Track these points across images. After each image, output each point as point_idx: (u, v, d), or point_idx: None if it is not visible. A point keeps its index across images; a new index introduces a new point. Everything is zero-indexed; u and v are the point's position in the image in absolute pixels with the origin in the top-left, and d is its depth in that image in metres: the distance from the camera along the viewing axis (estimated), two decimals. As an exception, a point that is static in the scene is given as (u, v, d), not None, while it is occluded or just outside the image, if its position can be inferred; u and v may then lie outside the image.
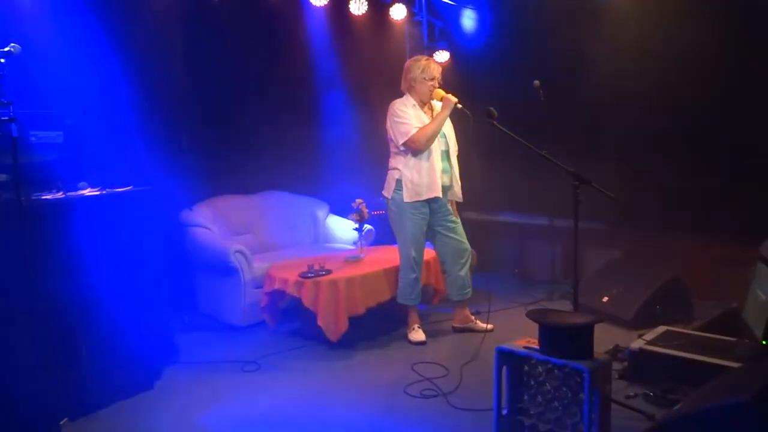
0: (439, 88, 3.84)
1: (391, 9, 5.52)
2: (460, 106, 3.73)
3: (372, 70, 5.76)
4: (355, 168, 5.66)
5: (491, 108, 3.68)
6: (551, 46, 5.18)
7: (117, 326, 3.15)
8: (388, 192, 3.95)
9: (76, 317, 2.95)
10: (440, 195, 3.84)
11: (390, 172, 3.96)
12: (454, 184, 3.98)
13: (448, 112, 3.76)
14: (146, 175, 3.68)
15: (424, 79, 3.81)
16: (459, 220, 4.07)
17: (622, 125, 4.89)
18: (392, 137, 3.89)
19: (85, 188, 3.20)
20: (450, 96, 3.76)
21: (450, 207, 4.01)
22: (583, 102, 5.04)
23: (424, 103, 3.91)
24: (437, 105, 3.91)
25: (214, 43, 4.74)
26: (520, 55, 5.44)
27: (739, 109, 4.42)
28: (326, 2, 5.03)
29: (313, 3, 5.01)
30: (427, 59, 3.91)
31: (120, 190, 3.29)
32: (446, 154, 3.92)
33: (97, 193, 3.18)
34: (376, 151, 5.82)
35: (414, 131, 3.77)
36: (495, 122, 3.52)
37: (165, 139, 4.50)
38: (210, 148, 4.81)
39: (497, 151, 4.42)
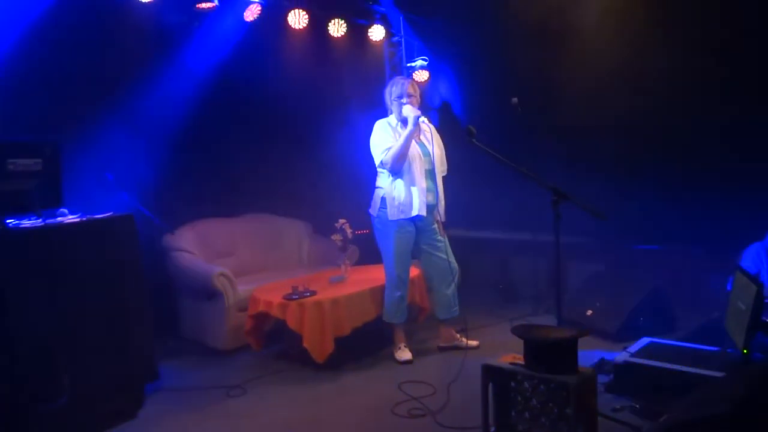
0: (414, 105, 3.85)
1: (369, 30, 5.58)
2: (423, 118, 3.79)
3: (352, 91, 5.81)
4: (338, 188, 5.66)
5: (471, 126, 3.72)
6: (528, 62, 5.27)
7: (99, 354, 3.11)
8: (374, 210, 3.96)
9: (57, 346, 2.90)
10: (423, 213, 3.85)
11: (376, 190, 3.98)
12: (439, 202, 3.99)
13: (411, 127, 3.76)
14: (127, 200, 3.67)
15: (397, 97, 3.87)
16: (446, 239, 4.08)
17: (602, 139, 4.97)
18: (373, 157, 3.94)
19: (65, 215, 3.17)
20: (414, 110, 3.77)
21: (436, 226, 4.02)
22: (563, 117, 5.12)
23: (404, 122, 3.91)
24: (424, 125, 3.94)
25: (194, 68, 4.75)
26: (498, 73, 5.53)
27: (716, 124, 4.52)
28: (305, 25, 5.07)
29: (292, 26, 5.05)
30: (400, 78, 3.97)
31: (100, 216, 3.26)
32: (430, 173, 3.93)
33: (77, 219, 3.15)
34: (358, 171, 5.84)
35: (384, 152, 3.81)
36: (474, 140, 3.56)
37: (146, 164, 4.49)
38: (192, 171, 4.80)
39: (478, 167, 4.47)
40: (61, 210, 3.18)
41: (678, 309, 4.42)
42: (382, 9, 5.66)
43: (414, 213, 3.82)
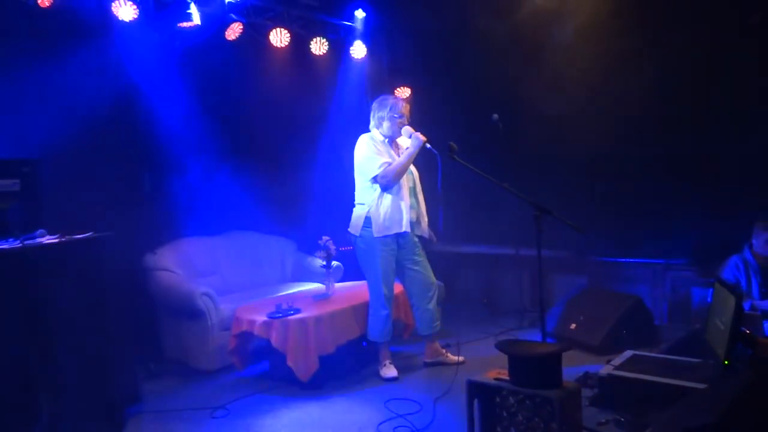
0: (407, 124, 3.90)
1: (351, 48, 5.63)
2: (429, 146, 3.76)
3: (334, 107, 5.83)
4: (321, 206, 5.66)
5: (452, 143, 3.76)
6: (511, 78, 5.34)
7: (78, 377, 3.05)
8: (355, 229, 3.93)
9: (35, 368, 2.84)
10: (409, 230, 3.87)
11: (356, 207, 3.96)
12: (421, 219, 4.02)
13: (416, 150, 3.79)
14: (107, 220, 3.62)
15: (393, 116, 3.88)
16: (424, 255, 4.09)
17: (583, 155, 5.04)
18: (362, 171, 3.91)
19: (44, 236, 3.12)
20: (419, 135, 3.79)
21: (416, 242, 4.03)
22: (543, 132, 5.18)
23: (393, 140, 3.97)
24: (403, 141, 3.97)
25: (174, 86, 4.74)
26: (480, 89, 5.59)
27: (695, 139, 4.60)
28: (287, 43, 5.10)
29: (274, 44, 5.07)
30: (395, 97, 4.01)
31: (80, 236, 3.22)
32: (413, 190, 3.98)
33: (56, 240, 3.10)
34: (341, 188, 5.85)
35: (385, 166, 3.81)
36: (456, 156, 3.59)
37: (125, 183, 4.45)
38: (172, 190, 4.76)
39: (460, 184, 4.50)
40: (40, 231, 3.13)
41: (660, 321, 4.46)
42: (362, 27, 5.71)
43: (402, 229, 3.84)
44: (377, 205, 3.85)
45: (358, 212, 3.93)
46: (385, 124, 3.91)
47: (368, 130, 4.00)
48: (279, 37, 5.06)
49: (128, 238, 3.82)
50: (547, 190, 4.69)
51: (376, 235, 3.84)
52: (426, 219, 4.05)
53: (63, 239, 3.13)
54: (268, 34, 5.05)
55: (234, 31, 4.79)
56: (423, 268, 4.04)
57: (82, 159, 4.07)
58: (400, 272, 4.05)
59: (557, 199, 3.72)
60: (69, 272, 3.07)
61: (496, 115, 4.74)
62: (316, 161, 5.72)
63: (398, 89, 5.89)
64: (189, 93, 4.82)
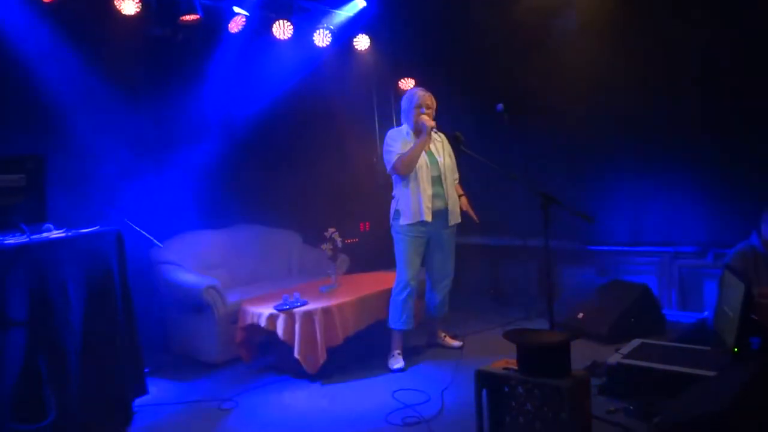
0: (426, 115, 3.93)
1: (355, 40, 5.60)
2: (435, 130, 3.86)
3: (339, 100, 5.81)
4: (328, 198, 5.66)
5: (458, 132, 3.76)
6: (515, 69, 5.31)
7: (86, 369, 3.06)
8: (390, 218, 4.09)
9: (43, 362, 2.85)
10: (428, 219, 3.92)
11: (393, 199, 4.09)
12: (451, 207, 4.04)
13: (424, 136, 3.88)
14: (114, 214, 3.63)
15: (412, 107, 3.97)
16: (452, 245, 4.17)
17: (590, 142, 5.01)
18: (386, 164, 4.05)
19: (50, 230, 3.13)
20: (428, 120, 3.87)
21: (446, 231, 4.07)
22: (551, 122, 5.15)
23: (418, 132, 4.00)
24: (436, 135, 4.03)
25: (179, 79, 4.73)
26: (485, 79, 5.56)
27: (703, 124, 4.56)
28: (290, 36, 5.07)
29: (277, 37, 5.05)
30: (418, 89, 4.05)
31: (86, 230, 3.22)
32: (438, 179, 4.01)
33: (63, 234, 3.11)
34: (347, 180, 5.85)
35: (395, 157, 3.92)
36: (462, 146, 3.58)
37: (132, 177, 4.46)
38: (180, 182, 4.77)
39: (467, 174, 4.48)
40: (46, 225, 3.14)
41: (668, 309, 4.44)
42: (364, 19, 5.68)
43: (419, 218, 3.91)
44: (401, 195, 3.97)
45: (393, 202, 4.07)
46: (409, 117, 4.02)
47: (395, 123, 4.11)
48: (282, 30, 5.03)
49: (134, 231, 3.82)
50: (554, 179, 4.68)
51: (401, 223, 3.96)
52: (457, 206, 4.10)
53: (69, 233, 3.14)
54: (271, 27, 5.02)
55: (237, 24, 4.77)
56: (446, 257, 4.15)
57: (87, 153, 4.07)
58: (427, 255, 4.12)
59: (564, 188, 3.70)
60: (76, 266, 3.07)
61: (501, 105, 4.71)
62: (322, 154, 5.71)
63: (402, 80, 5.86)
64: (191, 86, 4.81)
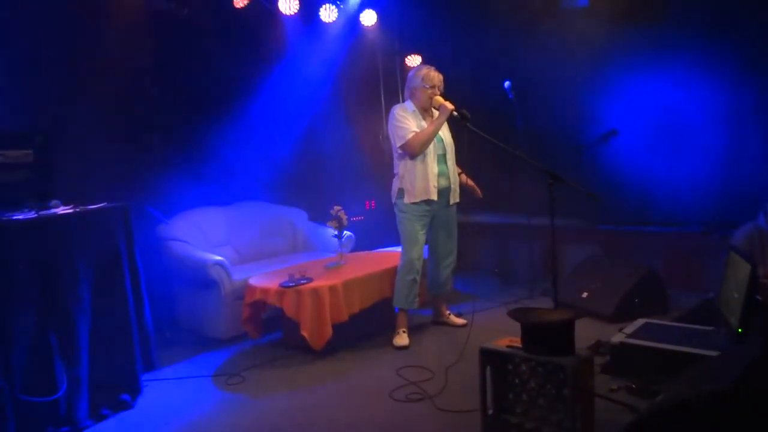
0: (439, 95, 3.92)
1: (361, 15, 5.54)
2: (456, 113, 3.81)
3: (345, 77, 5.78)
4: (334, 175, 5.65)
5: (464, 110, 3.73)
6: (521, 47, 5.25)
7: (95, 344, 3.10)
8: (393, 197, 4.08)
9: (53, 337, 2.89)
10: (434, 198, 3.94)
11: (395, 177, 4.08)
12: (453, 185, 4.06)
13: (444, 118, 3.87)
14: (120, 190, 3.64)
15: (425, 87, 3.93)
16: (455, 224, 4.19)
17: (594, 121, 4.98)
18: (393, 142, 4.00)
19: (58, 206, 3.15)
20: (447, 103, 3.84)
21: (448, 209, 4.10)
22: (557, 99, 5.11)
23: (425, 110, 4.01)
24: (436, 112, 4.00)
25: (185, 56, 4.71)
26: (491, 57, 5.50)
27: (705, 102, 4.52)
28: (296, 11, 5.02)
29: (283, 12, 5.00)
30: (428, 68, 4.00)
31: (93, 207, 3.24)
32: (443, 158, 4.02)
33: (70, 211, 3.13)
34: (352, 157, 5.84)
35: (410, 135, 3.87)
36: (468, 124, 3.57)
37: (139, 153, 4.46)
38: (185, 160, 4.77)
39: (473, 151, 4.46)
40: (54, 201, 3.16)
41: (673, 289, 4.44)
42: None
43: (430, 196, 3.93)
44: (407, 173, 3.95)
45: (395, 181, 4.06)
46: (417, 94, 3.98)
47: (403, 100, 4.12)
48: (288, 5, 4.99)
49: (141, 208, 3.84)
50: (560, 157, 4.65)
51: (406, 201, 3.96)
52: (458, 184, 4.11)
53: (77, 209, 3.16)
54: (277, 1, 4.97)
55: (242, -1, 4.73)
56: (449, 235, 4.17)
57: (94, 129, 4.07)
58: (431, 234, 4.14)
59: (570, 167, 3.69)
60: (84, 242, 3.10)
61: (508, 82, 4.67)
62: (327, 131, 5.69)
63: (409, 57, 5.81)
64: (196, 63, 4.79)
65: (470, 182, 4.22)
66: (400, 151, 3.96)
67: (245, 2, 4.74)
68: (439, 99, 3.90)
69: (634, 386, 3.03)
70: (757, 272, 2.84)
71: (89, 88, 4.03)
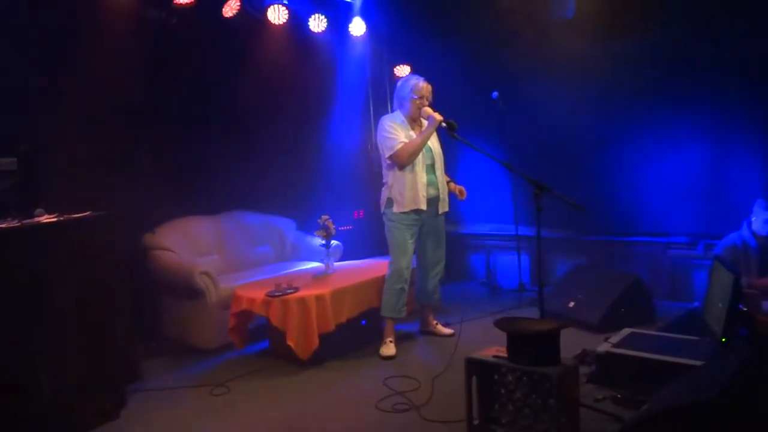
0: (428, 106, 3.95)
1: (350, 25, 5.56)
2: (444, 124, 3.84)
3: (333, 86, 5.79)
4: (321, 185, 5.64)
5: (452, 120, 3.76)
6: (509, 58, 5.29)
7: (79, 353, 3.06)
8: (382, 206, 4.08)
9: (36, 345, 2.86)
10: (423, 207, 3.96)
11: (383, 186, 4.08)
12: (442, 195, 4.08)
13: (432, 129, 3.90)
14: (106, 199, 3.61)
15: (413, 97, 3.95)
16: (443, 233, 4.20)
17: (583, 134, 5.01)
18: (381, 151, 4.02)
19: (42, 215, 3.12)
20: (436, 114, 3.87)
21: (437, 218, 4.11)
22: (546, 110, 5.15)
23: (414, 121, 4.03)
24: (425, 122, 4.02)
25: (173, 65, 4.69)
26: (480, 67, 5.54)
27: (694, 114, 4.58)
28: (285, 21, 5.03)
29: (272, 21, 5.01)
30: (417, 79, 4.03)
31: (78, 215, 3.21)
32: (432, 167, 4.04)
33: (55, 219, 3.10)
34: (341, 167, 5.84)
35: (399, 146, 3.88)
36: (456, 134, 3.59)
37: (125, 162, 4.43)
38: (172, 169, 4.75)
39: (461, 161, 4.49)
40: (38, 210, 3.13)
41: (659, 299, 4.47)
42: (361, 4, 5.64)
43: (418, 206, 3.94)
44: (396, 182, 3.96)
45: (383, 190, 4.06)
46: (406, 105, 4.00)
47: (391, 110, 4.17)
48: (277, 14, 5.00)
49: (127, 216, 3.81)
50: (547, 169, 4.67)
51: (395, 211, 3.96)
52: (447, 194, 4.12)
53: (61, 218, 3.13)
54: (266, 11, 4.98)
55: (231, 8, 4.73)
56: (437, 244, 4.19)
57: (80, 137, 4.04)
58: (419, 243, 4.14)
59: (557, 178, 3.70)
60: (68, 251, 3.07)
61: (496, 93, 4.71)
62: (316, 140, 5.69)
63: (398, 67, 5.83)
64: (185, 72, 4.77)
65: (456, 187, 4.20)
66: (388, 161, 3.97)
67: (234, 12, 4.74)
68: (428, 109, 3.92)
69: (619, 396, 3.04)
70: (740, 282, 2.87)
71: (75, 96, 4.00)
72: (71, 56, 4.02)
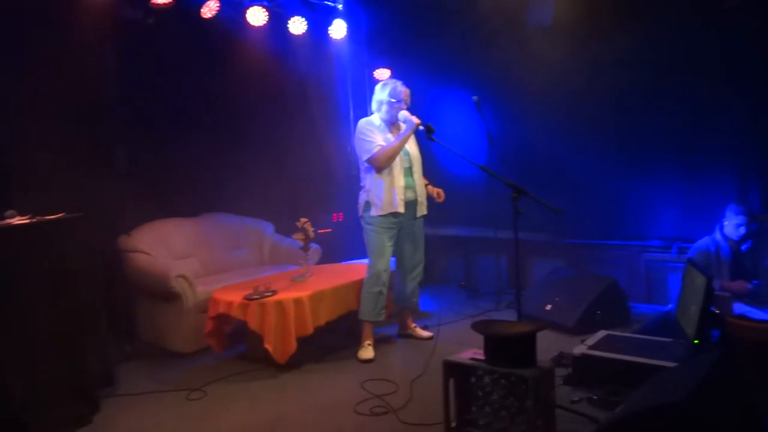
0: (405, 110, 3.96)
1: (330, 28, 5.56)
2: (422, 127, 3.86)
3: (313, 89, 5.78)
4: (299, 188, 5.63)
5: (429, 123, 3.77)
6: (488, 63, 5.34)
7: (51, 358, 3.01)
8: (360, 210, 4.07)
9: (5, 350, 2.80)
10: (401, 211, 3.96)
11: (360, 191, 4.07)
12: (420, 198, 4.08)
13: (409, 132, 3.90)
14: (80, 200, 3.56)
15: (392, 100, 3.95)
16: (421, 236, 4.21)
17: (560, 138, 5.06)
18: (359, 155, 4.02)
19: (14, 216, 3.06)
20: (413, 117, 3.88)
21: (415, 222, 4.12)
22: (524, 114, 5.20)
23: (392, 124, 4.04)
24: (404, 126, 4.02)
25: (150, 66, 4.64)
26: (459, 72, 5.58)
27: (670, 121, 4.65)
28: (264, 22, 5.02)
29: (252, 23, 4.99)
30: (396, 82, 4.03)
31: (52, 217, 3.16)
32: (409, 171, 4.05)
33: (27, 221, 3.04)
34: (321, 170, 5.83)
35: (377, 149, 3.88)
36: (434, 137, 3.61)
37: (100, 163, 4.37)
38: (148, 171, 4.69)
39: (440, 164, 4.51)
40: (10, 211, 3.07)
41: (634, 302, 4.54)
42: (342, 8, 5.65)
43: (392, 210, 3.94)
44: (374, 186, 3.96)
45: (361, 194, 4.06)
46: (384, 108, 4.00)
47: (369, 113, 4.11)
48: (257, 16, 4.98)
49: (102, 219, 3.76)
50: (526, 172, 4.72)
51: (373, 214, 3.96)
52: (425, 197, 4.12)
53: (34, 220, 3.07)
54: (245, 13, 4.96)
55: (210, 9, 4.70)
56: (416, 248, 4.19)
57: (55, 136, 3.97)
58: (397, 246, 4.14)
59: (535, 182, 3.74)
60: (41, 254, 3.01)
61: (476, 97, 4.74)
62: (295, 143, 5.67)
63: (377, 70, 5.85)
64: (164, 71, 4.73)
65: (434, 189, 4.19)
66: (366, 165, 3.97)
67: (213, 12, 4.71)
68: (405, 112, 3.93)
69: (595, 397, 3.06)
70: (712, 285, 2.91)
71: (49, 97, 3.94)
72: (46, 55, 3.96)
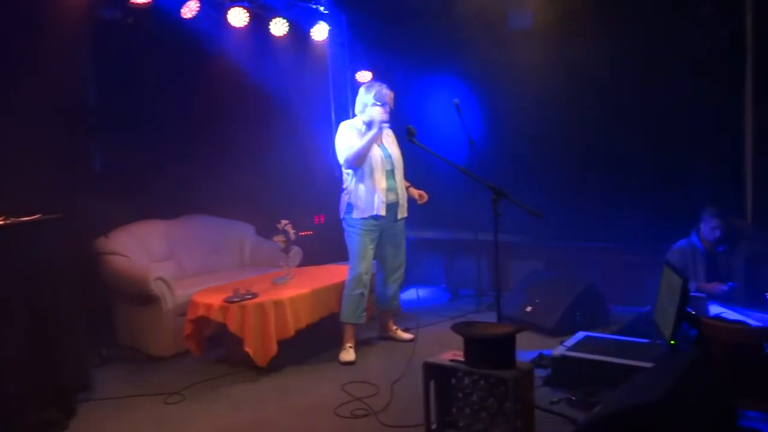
0: (389, 113, 3.96)
1: (312, 30, 5.55)
2: (386, 126, 3.88)
3: (294, 91, 5.75)
4: (280, 189, 5.60)
5: (410, 126, 3.78)
6: (469, 65, 5.37)
7: (25, 363, 2.95)
8: (341, 212, 4.07)
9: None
10: (382, 213, 3.96)
11: (342, 193, 4.08)
12: (401, 200, 4.09)
13: (375, 129, 3.91)
14: (57, 201, 3.50)
15: (376, 104, 3.95)
16: (403, 238, 4.22)
17: (542, 143, 5.11)
18: (338, 157, 4.02)
19: (-11, 218, 3.00)
20: (379, 114, 3.89)
21: (396, 224, 4.12)
22: (503, 118, 5.23)
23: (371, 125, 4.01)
24: (390, 131, 4.07)
25: (128, 66, 4.59)
26: (441, 74, 5.60)
27: (647, 125, 4.72)
28: (246, 23, 4.99)
29: (233, 24, 4.96)
30: (379, 85, 4.03)
31: (27, 218, 3.10)
32: (391, 173, 4.05)
33: (2, 222, 2.99)
34: (302, 172, 5.81)
35: (348, 151, 3.90)
36: (414, 139, 3.62)
37: (77, 164, 4.31)
38: (126, 172, 4.63)
39: (421, 167, 4.52)
40: (-16, 213, 3.01)
41: (612, 304, 4.59)
42: (324, 10, 5.64)
43: (374, 212, 3.94)
44: (355, 188, 3.97)
45: (343, 195, 4.06)
46: (367, 110, 3.99)
47: (352, 115, 4.17)
48: (238, 17, 4.95)
49: (79, 220, 3.70)
50: (505, 175, 4.75)
51: (354, 216, 3.97)
52: (405, 199, 4.12)
53: (9, 221, 3.02)
54: (226, 13, 4.93)
55: (190, 9, 4.66)
56: (397, 249, 4.19)
57: (30, 136, 3.91)
58: (378, 249, 4.13)
59: (515, 185, 3.77)
60: (16, 255, 2.96)
61: (456, 100, 4.76)
62: (276, 144, 5.64)
63: (360, 73, 5.85)
64: (143, 71, 4.68)
65: (416, 191, 4.20)
66: (345, 167, 3.97)
67: (193, 13, 4.67)
68: (376, 111, 3.92)
69: (574, 398, 3.09)
70: (688, 286, 2.96)
71: (25, 97, 3.87)
72: (22, 55, 3.90)
